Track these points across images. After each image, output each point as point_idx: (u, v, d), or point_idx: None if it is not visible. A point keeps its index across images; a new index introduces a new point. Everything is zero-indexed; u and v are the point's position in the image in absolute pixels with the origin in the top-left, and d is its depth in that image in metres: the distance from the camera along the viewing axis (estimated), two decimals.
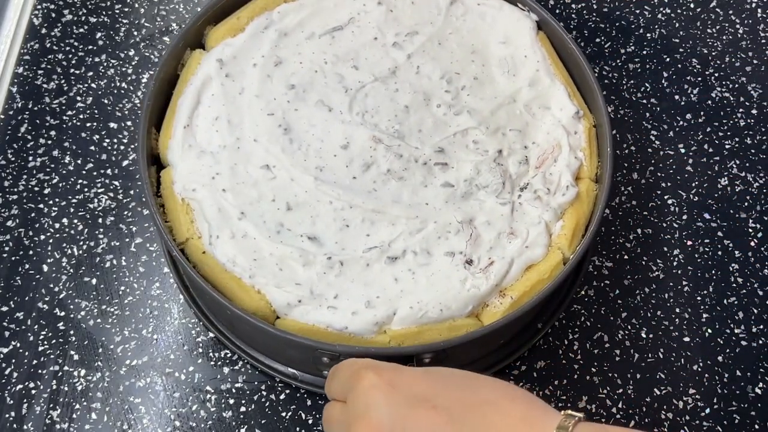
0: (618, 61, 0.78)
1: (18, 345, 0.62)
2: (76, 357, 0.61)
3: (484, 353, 0.60)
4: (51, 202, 0.68)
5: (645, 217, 0.70)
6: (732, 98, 0.76)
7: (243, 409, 0.60)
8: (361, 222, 0.57)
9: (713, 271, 0.67)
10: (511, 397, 0.43)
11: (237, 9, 0.66)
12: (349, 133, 0.60)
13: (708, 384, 0.63)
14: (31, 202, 0.68)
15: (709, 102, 0.76)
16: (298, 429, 0.59)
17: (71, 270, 0.65)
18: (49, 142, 0.71)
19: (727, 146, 0.74)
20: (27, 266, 0.65)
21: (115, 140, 0.71)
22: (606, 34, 0.79)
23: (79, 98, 0.73)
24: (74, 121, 0.72)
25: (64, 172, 0.69)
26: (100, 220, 0.67)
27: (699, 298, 0.66)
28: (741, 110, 0.76)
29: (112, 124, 0.72)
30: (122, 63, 0.75)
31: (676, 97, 0.76)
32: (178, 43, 0.62)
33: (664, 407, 0.61)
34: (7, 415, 0.59)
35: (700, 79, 0.77)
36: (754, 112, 0.76)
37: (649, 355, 0.63)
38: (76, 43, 0.76)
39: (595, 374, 0.62)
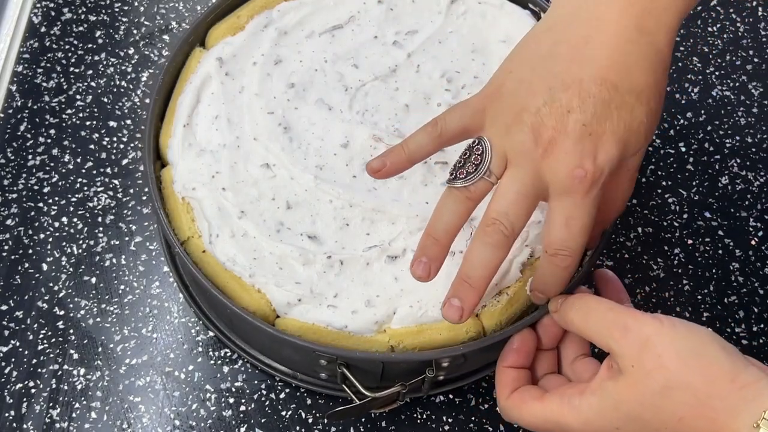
0: None
1: (17, 344, 0.62)
2: (75, 356, 0.61)
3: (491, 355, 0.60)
4: (50, 200, 0.68)
5: (645, 216, 0.70)
6: (733, 97, 0.76)
7: (243, 408, 0.60)
8: (361, 221, 0.56)
9: (714, 270, 0.67)
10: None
11: (238, 7, 0.66)
12: (349, 132, 0.60)
13: None
14: (31, 200, 0.68)
15: (710, 100, 0.76)
16: (298, 428, 0.59)
17: (71, 269, 0.65)
18: (49, 140, 0.71)
19: (727, 145, 0.74)
20: (26, 265, 0.65)
21: (115, 139, 0.71)
22: None
23: (78, 97, 0.73)
24: (74, 120, 0.72)
25: (63, 170, 0.69)
26: (99, 219, 0.67)
27: (699, 297, 0.66)
28: (742, 109, 0.76)
29: (111, 123, 0.72)
30: (122, 61, 0.75)
31: (677, 95, 0.76)
32: (188, 38, 0.62)
33: None
34: (6, 414, 0.59)
35: (700, 77, 0.77)
36: (755, 110, 0.76)
37: None
38: (75, 42, 0.76)
39: None
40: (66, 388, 0.60)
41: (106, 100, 0.73)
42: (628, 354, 0.44)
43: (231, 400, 0.60)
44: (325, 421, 0.59)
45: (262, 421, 0.60)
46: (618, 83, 0.46)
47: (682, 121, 0.75)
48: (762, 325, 0.65)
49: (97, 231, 0.67)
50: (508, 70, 0.49)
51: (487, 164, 0.47)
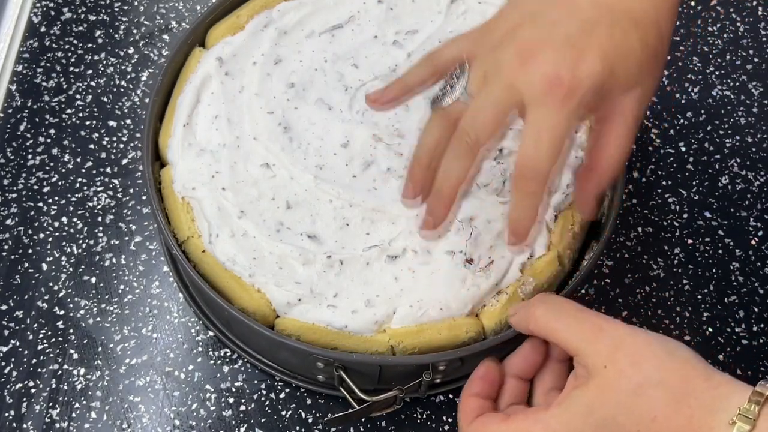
0: None
1: (17, 344, 0.62)
2: (75, 356, 0.61)
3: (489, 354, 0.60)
4: (50, 200, 0.68)
5: (645, 216, 0.69)
6: (733, 96, 0.76)
7: (243, 408, 0.60)
8: (361, 221, 0.56)
9: (714, 270, 0.67)
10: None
11: (238, 7, 0.66)
12: (349, 132, 0.60)
13: None
14: (31, 200, 0.68)
15: (710, 100, 0.76)
16: (298, 428, 0.59)
17: (71, 268, 0.65)
18: (49, 140, 0.71)
19: (727, 144, 0.73)
20: (26, 265, 0.65)
21: (115, 138, 0.71)
22: None
23: (78, 96, 0.73)
24: (73, 120, 0.72)
25: (63, 170, 0.69)
26: (99, 219, 0.67)
27: (699, 296, 0.66)
28: (742, 108, 0.76)
29: (111, 123, 0.72)
30: (122, 61, 0.75)
31: (677, 95, 0.76)
32: (187, 38, 0.62)
33: None
34: (6, 414, 0.59)
35: (700, 77, 0.77)
36: (755, 110, 0.76)
37: None
38: (75, 41, 0.76)
39: None
40: (66, 387, 0.60)
41: (106, 99, 0.73)
42: (603, 353, 0.43)
43: (231, 400, 0.60)
44: (321, 426, 0.59)
45: (262, 420, 0.60)
46: (614, 5, 0.44)
47: (682, 121, 0.75)
48: (762, 325, 0.65)
49: (96, 231, 0.67)
50: (513, 4, 0.47)
51: (464, 83, 0.45)
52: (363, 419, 0.59)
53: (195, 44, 0.64)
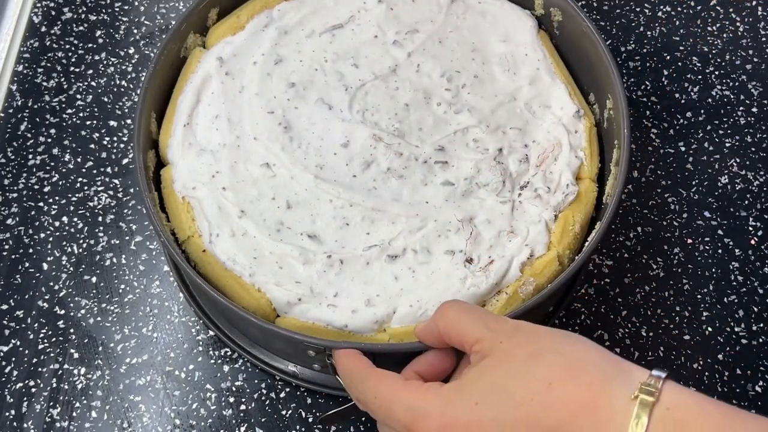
0: (618, 59, 0.78)
1: (18, 343, 0.62)
2: (76, 355, 0.61)
3: None
4: (51, 200, 0.68)
5: (645, 216, 0.70)
6: (732, 96, 0.76)
7: (243, 407, 0.60)
8: (361, 220, 0.57)
9: (713, 270, 0.67)
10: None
11: (238, 6, 0.66)
12: (349, 132, 0.60)
13: (708, 382, 0.63)
14: (31, 200, 0.68)
15: (710, 100, 0.76)
16: (298, 427, 0.59)
17: (71, 268, 0.65)
18: (49, 140, 0.71)
19: (727, 144, 0.74)
20: (27, 264, 0.65)
21: (115, 138, 0.71)
22: (606, 32, 0.79)
23: (78, 96, 0.73)
24: (74, 120, 0.72)
25: (63, 170, 0.69)
26: (100, 219, 0.67)
27: (699, 296, 0.66)
28: (741, 108, 0.76)
29: (112, 123, 0.72)
30: (122, 61, 0.75)
31: (677, 95, 0.76)
32: (180, 25, 0.62)
33: None
34: (7, 413, 0.59)
35: (700, 77, 0.77)
36: (754, 110, 0.76)
37: (650, 354, 0.63)
38: (75, 41, 0.76)
39: None
40: (66, 387, 0.60)
41: (106, 99, 0.73)
42: (501, 336, 0.42)
43: (231, 400, 0.60)
44: (319, 425, 0.59)
45: (263, 420, 0.60)
46: None
47: (681, 121, 0.75)
48: (762, 325, 0.65)
49: (97, 230, 0.67)
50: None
51: None
52: (363, 417, 0.59)
53: (188, 32, 0.63)
